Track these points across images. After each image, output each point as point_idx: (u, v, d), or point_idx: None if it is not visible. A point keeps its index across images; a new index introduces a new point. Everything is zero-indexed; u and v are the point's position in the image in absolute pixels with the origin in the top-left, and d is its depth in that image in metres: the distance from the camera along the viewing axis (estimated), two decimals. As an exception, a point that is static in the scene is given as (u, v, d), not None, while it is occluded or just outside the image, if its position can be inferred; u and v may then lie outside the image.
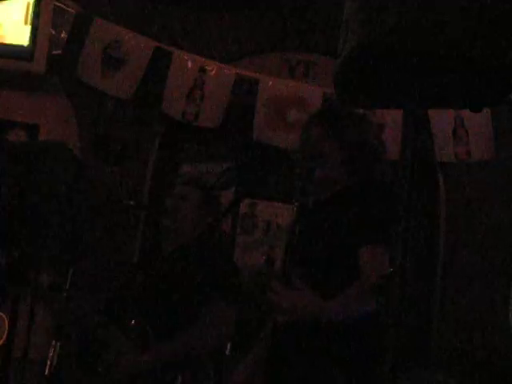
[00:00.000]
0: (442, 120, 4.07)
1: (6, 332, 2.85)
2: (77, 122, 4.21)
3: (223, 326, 2.72)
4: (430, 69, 1.28)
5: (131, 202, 3.09)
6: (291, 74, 4.36)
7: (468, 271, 4.07)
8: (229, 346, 2.86)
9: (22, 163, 2.43)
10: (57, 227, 2.45)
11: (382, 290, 1.56)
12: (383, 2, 1.20)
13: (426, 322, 4.13)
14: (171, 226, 2.93)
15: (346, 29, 1.28)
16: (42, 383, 2.62)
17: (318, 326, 2.00)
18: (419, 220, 4.08)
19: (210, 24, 4.30)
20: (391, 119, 3.95)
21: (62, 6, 4.01)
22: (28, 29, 3.90)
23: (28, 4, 3.90)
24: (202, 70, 4.12)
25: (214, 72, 4.13)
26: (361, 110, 2.36)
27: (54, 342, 2.62)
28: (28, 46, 3.88)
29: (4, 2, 3.88)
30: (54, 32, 4.00)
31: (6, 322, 3.28)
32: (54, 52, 4.02)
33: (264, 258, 4.25)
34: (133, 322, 2.71)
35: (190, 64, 4.13)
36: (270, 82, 4.15)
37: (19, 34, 3.91)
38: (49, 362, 2.60)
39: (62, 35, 4.04)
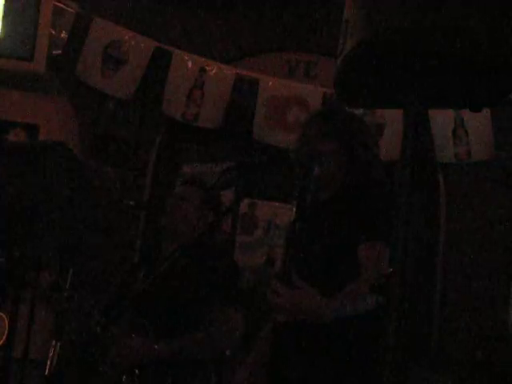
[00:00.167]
0: (442, 120, 4.08)
1: (6, 332, 2.85)
2: (77, 121, 4.21)
3: (233, 328, 2.73)
4: (430, 69, 1.28)
5: (131, 202, 3.09)
6: (291, 74, 4.36)
7: (468, 271, 4.08)
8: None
9: (22, 163, 2.43)
10: (57, 227, 2.45)
11: (382, 289, 1.56)
12: (383, 1, 1.20)
13: (426, 322, 4.13)
14: (171, 226, 2.93)
15: (346, 29, 1.28)
16: (41, 383, 2.62)
17: (318, 326, 2.00)
18: (419, 220, 4.08)
19: (210, 24, 4.30)
20: (391, 119, 3.96)
21: (62, 6, 4.02)
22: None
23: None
24: (202, 70, 4.13)
25: (213, 72, 4.13)
26: (361, 110, 2.36)
27: (53, 342, 2.62)
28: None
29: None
30: (53, 32, 4.00)
31: (6, 322, 3.28)
32: (54, 52, 4.02)
33: (264, 258, 4.25)
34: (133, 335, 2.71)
35: (189, 64, 4.13)
36: (270, 82, 4.15)
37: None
38: (49, 362, 2.60)
39: (62, 35, 4.04)
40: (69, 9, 4.04)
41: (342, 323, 1.99)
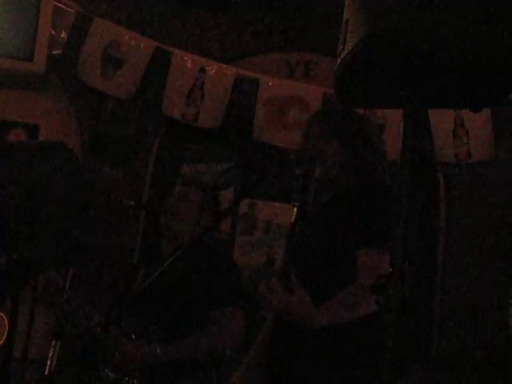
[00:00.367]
0: (442, 120, 4.08)
1: (5, 332, 2.85)
2: (77, 122, 4.20)
3: (233, 328, 2.73)
4: (430, 69, 1.28)
5: (131, 202, 3.09)
6: (291, 74, 4.36)
7: (468, 271, 4.07)
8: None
9: (22, 163, 2.43)
10: (57, 227, 2.45)
11: (381, 290, 1.56)
12: (383, 1, 1.20)
13: (426, 322, 4.13)
14: (171, 226, 2.93)
15: (346, 29, 1.28)
16: (42, 383, 2.62)
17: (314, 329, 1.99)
18: (419, 220, 4.08)
19: (210, 24, 4.30)
20: (391, 119, 3.96)
21: (62, 6, 4.01)
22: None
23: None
24: (202, 70, 4.12)
25: (213, 72, 4.13)
26: (361, 110, 2.36)
27: (53, 342, 2.62)
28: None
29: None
30: (53, 32, 4.00)
31: (6, 322, 3.28)
32: (54, 52, 4.02)
33: (264, 258, 4.25)
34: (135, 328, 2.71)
35: (189, 64, 4.13)
36: (270, 82, 4.15)
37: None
38: (49, 362, 2.60)
39: (62, 35, 4.04)
40: (69, 9, 4.04)
41: (339, 325, 1.99)
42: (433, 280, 4.18)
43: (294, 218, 2.05)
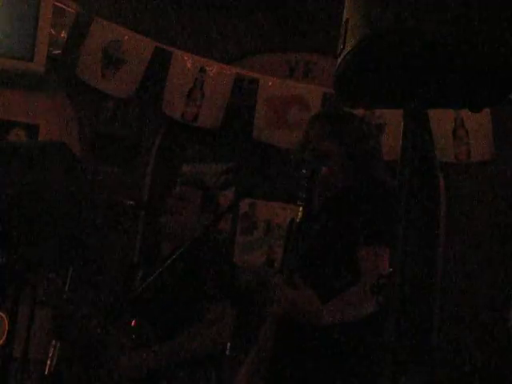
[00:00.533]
0: (442, 120, 4.07)
1: (5, 332, 2.85)
2: (77, 121, 4.21)
3: (222, 325, 2.73)
4: (430, 69, 1.28)
5: (131, 202, 3.09)
6: (291, 74, 4.36)
7: (468, 271, 4.08)
8: (229, 346, 2.86)
9: (22, 163, 2.43)
10: (57, 227, 2.45)
11: (382, 289, 1.56)
12: (383, 1, 1.20)
13: (426, 322, 4.13)
14: (171, 226, 2.93)
15: (346, 29, 1.28)
16: (42, 383, 2.62)
17: (320, 326, 2.00)
18: (419, 220, 4.08)
19: (210, 24, 4.30)
20: (391, 119, 3.96)
21: (62, 6, 4.02)
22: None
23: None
24: (202, 70, 4.12)
25: (213, 72, 4.13)
26: (361, 110, 2.36)
27: (53, 342, 2.62)
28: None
29: None
30: (53, 32, 4.00)
31: (6, 322, 3.28)
32: (54, 52, 4.02)
33: (264, 258, 4.25)
34: (133, 323, 2.71)
35: (189, 64, 4.13)
36: (270, 82, 4.15)
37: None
38: (49, 362, 2.60)
39: (62, 35, 4.04)
40: (69, 9, 4.04)
41: (344, 324, 2.00)
42: (433, 280, 4.18)
43: (299, 217, 2.05)
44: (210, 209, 2.97)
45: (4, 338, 3.18)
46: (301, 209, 2.05)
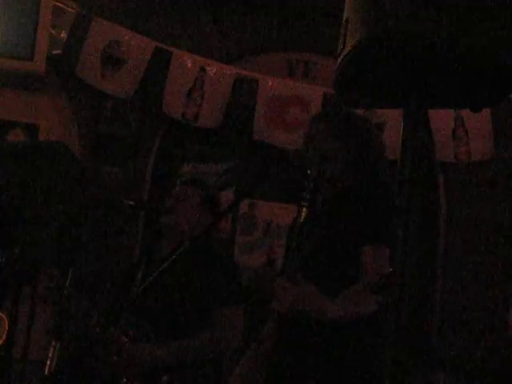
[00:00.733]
0: (442, 120, 4.08)
1: (5, 332, 2.85)
2: (77, 122, 4.21)
3: (235, 327, 2.73)
4: (430, 69, 1.28)
5: (131, 202, 3.09)
6: (291, 74, 4.36)
7: (468, 271, 4.08)
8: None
9: (22, 163, 2.43)
10: (57, 227, 2.45)
11: (382, 289, 1.56)
12: (383, 1, 1.20)
13: (427, 322, 4.13)
14: (171, 226, 2.93)
15: (346, 29, 1.28)
16: (41, 383, 2.62)
17: (321, 325, 2.00)
18: (419, 220, 4.08)
19: (210, 24, 4.30)
20: (391, 119, 3.96)
21: (62, 5, 4.02)
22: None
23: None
24: (202, 70, 4.12)
25: (214, 72, 4.13)
26: (361, 110, 2.36)
27: (53, 342, 2.61)
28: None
29: None
30: (53, 32, 4.00)
31: (6, 322, 3.28)
32: (54, 52, 4.02)
33: (264, 258, 4.25)
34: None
35: (189, 64, 4.13)
36: (270, 82, 4.15)
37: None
38: (49, 362, 2.60)
39: (62, 35, 4.04)
40: (69, 9, 4.04)
41: (345, 323, 2.00)
42: (433, 280, 4.19)
43: (303, 218, 2.05)
44: (210, 209, 2.96)
45: (4, 337, 3.18)
46: (304, 209, 2.05)
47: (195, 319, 2.74)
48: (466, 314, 4.01)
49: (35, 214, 2.38)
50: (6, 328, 2.75)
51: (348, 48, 1.26)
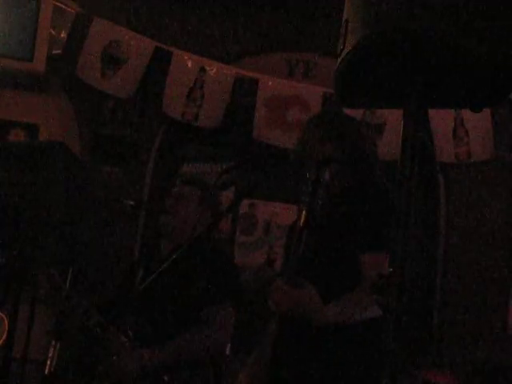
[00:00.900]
0: (442, 120, 4.08)
1: (5, 332, 2.85)
2: (77, 121, 4.21)
3: (225, 326, 2.72)
4: (430, 69, 1.28)
5: (131, 202, 3.09)
6: (291, 74, 4.36)
7: (468, 271, 4.08)
8: (229, 346, 2.85)
9: (22, 163, 2.43)
10: (57, 227, 2.45)
11: (382, 290, 1.56)
12: (383, 1, 1.20)
13: (427, 322, 4.13)
14: (171, 226, 2.93)
15: (346, 29, 1.28)
16: (41, 383, 2.61)
17: (321, 328, 2.00)
18: (419, 220, 4.08)
19: (210, 24, 4.30)
20: (391, 119, 3.96)
21: (62, 6, 4.02)
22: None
23: None
24: (202, 70, 4.13)
25: (214, 72, 4.13)
26: (361, 110, 2.36)
27: (53, 342, 2.61)
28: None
29: None
30: (53, 32, 4.00)
31: (6, 322, 3.28)
32: (54, 52, 4.02)
33: (264, 258, 4.25)
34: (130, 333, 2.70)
35: (189, 64, 4.13)
36: (270, 82, 4.15)
37: None
38: (49, 362, 2.60)
39: (62, 35, 4.04)
40: (69, 9, 4.04)
41: (346, 326, 2.00)
42: (433, 280, 4.18)
43: (302, 221, 2.05)
44: (210, 209, 2.96)
45: (4, 337, 3.18)
46: (304, 213, 2.05)
47: (195, 319, 2.74)
48: (465, 314, 4.01)
49: (35, 213, 2.38)
50: (6, 328, 2.75)
51: (348, 48, 1.26)
